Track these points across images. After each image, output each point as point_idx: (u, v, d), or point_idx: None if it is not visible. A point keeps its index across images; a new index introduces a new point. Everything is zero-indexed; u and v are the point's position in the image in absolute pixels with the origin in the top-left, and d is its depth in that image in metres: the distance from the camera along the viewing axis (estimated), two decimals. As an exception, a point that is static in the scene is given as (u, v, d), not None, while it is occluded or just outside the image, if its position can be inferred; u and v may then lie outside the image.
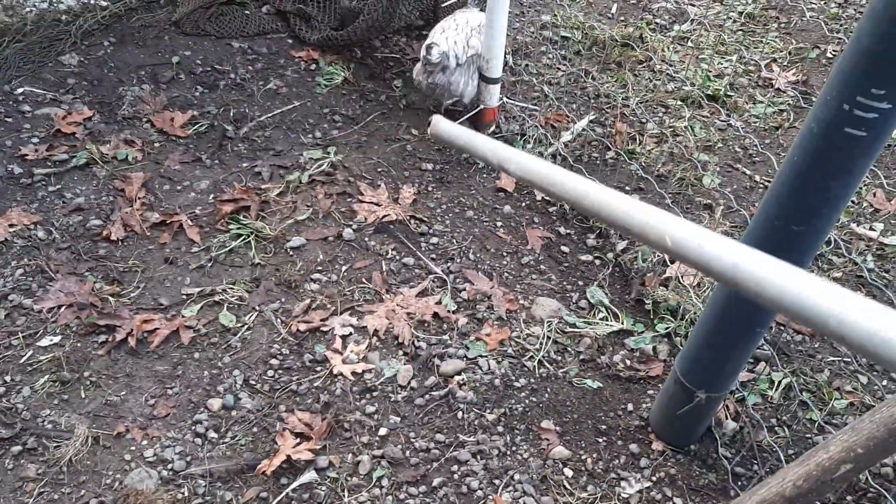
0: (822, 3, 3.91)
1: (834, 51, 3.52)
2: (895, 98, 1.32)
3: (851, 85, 1.34)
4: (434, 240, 2.54)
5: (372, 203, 2.63)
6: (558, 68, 3.31)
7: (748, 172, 2.87)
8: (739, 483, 1.94)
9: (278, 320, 2.24)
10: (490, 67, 2.83)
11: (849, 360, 2.22)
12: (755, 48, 3.52)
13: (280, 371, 2.12)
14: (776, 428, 2.06)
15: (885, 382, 2.17)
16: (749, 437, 2.01)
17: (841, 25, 3.72)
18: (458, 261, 2.48)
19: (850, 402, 2.10)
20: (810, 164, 1.46)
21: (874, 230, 2.58)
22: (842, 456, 1.02)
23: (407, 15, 3.37)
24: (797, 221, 1.53)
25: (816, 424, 2.05)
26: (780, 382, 2.14)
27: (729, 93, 3.21)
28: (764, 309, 1.72)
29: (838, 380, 2.16)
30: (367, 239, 2.52)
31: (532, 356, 2.21)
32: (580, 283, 2.46)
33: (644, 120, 3.05)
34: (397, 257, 2.47)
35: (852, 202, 2.72)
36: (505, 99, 3.02)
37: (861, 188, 2.76)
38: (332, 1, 3.44)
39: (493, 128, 2.98)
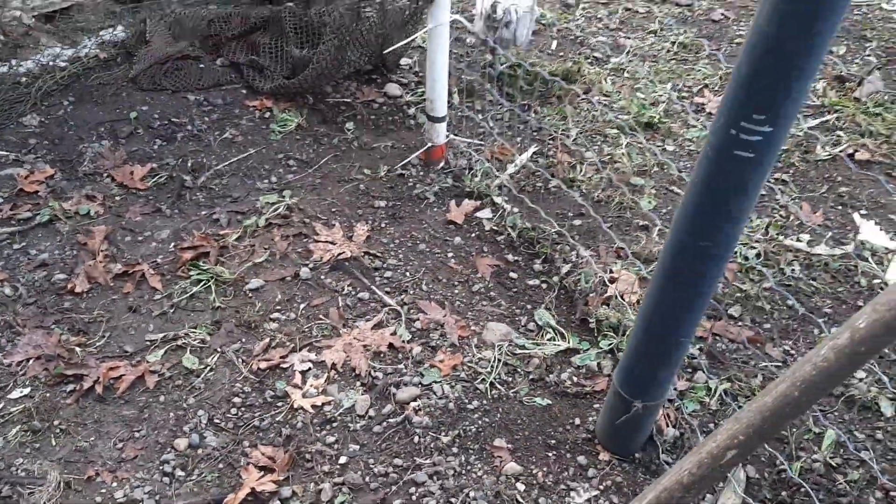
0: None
1: (761, 74, 3.72)
2: (775, 121, 1.48)
3: (736, 111, 1.50)
4: (388, 273, 2.67)
5: (327, 242, 2.75)
6: (501, 104, 3.47)
7: (683, 194, 3.03)
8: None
9: (240, 360, 2.35)
10: (434, 107, 2.98)
11: (779, 364, 2.36)
12: (688, 76, 3.71)
13: (243, 408, 2.22)
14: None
15: (813, 383, 2.31)
16: (688, 442, 2.14)
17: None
18: (412, 292, 2.60)
19: (781, 404, 2.24)
20: (709, 184, 1.61)
21: (801, 241, 2.74)
22: (727, 443, 1.15)
23: (356, 61, 3.52)
24: (703, 237, 1.67)
25: (751, 426, 2.18)
26: (716, 389, 2.27)
27: (664, 119, 3.39)
28: (685, 320, 1.86)
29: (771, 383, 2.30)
30: (323, 277, 2.63)
31: (484, 379, 2.33)
32: (528, 306, 2.59)
33: (584, 149, 3.22)
34: (353, 293, 2.59)
35: (781, 216, 2.89)
36: (451, 136, 3.17)
37: (788, 202, 2.93)
38: (283, 51, 3.58)
39: (441, 164, 3.13)
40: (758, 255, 2.69)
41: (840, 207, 2.92)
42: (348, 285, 2.61)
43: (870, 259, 2.69)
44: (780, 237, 2.78)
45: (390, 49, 2.93)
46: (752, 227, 2.81)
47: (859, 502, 2.02)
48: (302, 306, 2.53)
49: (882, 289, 2.60)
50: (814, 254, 2.71)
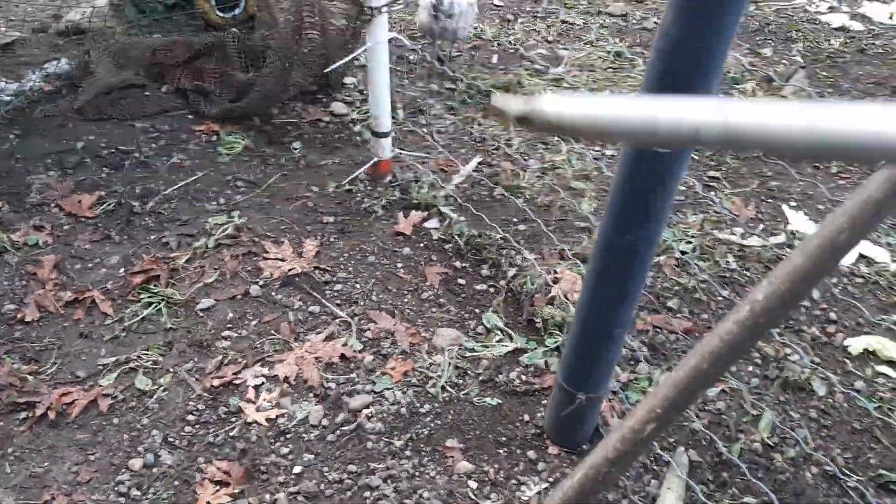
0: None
1: (694, 77, 3.87)
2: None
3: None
4: (338, 287, 2.72)
5: (277, 259, 2.80)
6: (445, 117, 3.56)
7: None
8: (627, 474, 2.13)
9: (193, 379, 2.37)
10: (378, 123, 3.05)
11: (718, 352, 2.45)
12: (623, 83, 3.84)
13: (197, 426, 2.25)
14: (658, 420, 2.27)
15: (750, 368, 2.41)
16: (633, 431, 2.22)
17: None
18: (362, 303, 2.65)
19: (721, 389, 2.33)
20: (630, 181, 1.70)
21: (734, 234, 2.85)
22: (646, 417, 1.22)
23: (300, 82, 3.58)
24: (628, 231, 1.76)
25: (692, 412, 2.27)
26: (657, 379, 2.36)
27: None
28: (619, 312, 1.94)
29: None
30: (273, 293, 2.68)
31: (435, 383, 2.38)
32: (477, 310, 2.66)
33: (526, 157, 3.31)
34: (304, 307, 2.63)
35: (714, 211, 3.00)
36: (397, 150, 3.24)
37: (722, 198, 3.05)
38: (228, 75, 3.64)
39: (388, 178, 3.20)
40: (694, 250, 2.79)
41: (771, 201, 3.04)
42: (299, 300, 2.66)
43: (800, 248, 2.81)
44: (715, 231, 2.89)
45: (330, 68, 3.00)
46: (688, 223, 2.92)
47: (796, 478, 2.11)
48: (253, 323, 2.57)
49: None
50: (747, 245, 2.82)
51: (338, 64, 2.95)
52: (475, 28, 4.20)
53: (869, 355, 2.44)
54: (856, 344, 2.45)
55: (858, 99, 3.62)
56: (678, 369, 1.20)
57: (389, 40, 2.95)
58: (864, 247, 2.79)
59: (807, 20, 4.43)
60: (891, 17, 4.31)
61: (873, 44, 4.08)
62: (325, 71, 3.11)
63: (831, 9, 4.44)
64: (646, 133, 0.64)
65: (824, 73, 3.84)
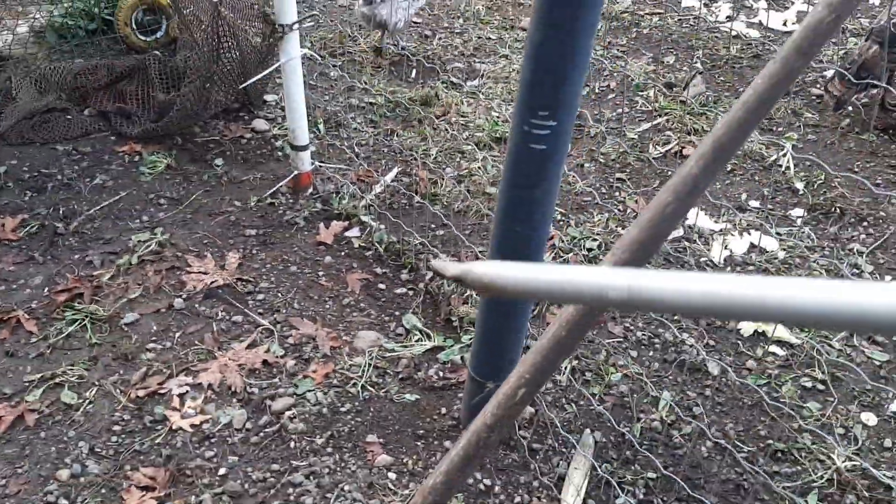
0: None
1: (602, 87, 4.08)
2: (557, 117, 1.72)
3: (524, 109, 1.74)
4: (260, 296, 2.80)
5: (200, 273, 2.87)
6: (366, 131, 3.68)
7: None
8: (537, 457, 2.27)
9: (118, 391, 2.43)
10: (296, 136, 3.16)
11: (620, 339, 2.62)
12: (537, 92, 4.02)
13: (123, 435, 2.31)
14: (566, 406, 2.41)
15: (651, 353, 2.58)
16: (542, 417, 2.36)
17: (607, 65, 4.30)
18: (284, 311, 2.74)
19: (623, 375, 2.49)
20: (515, 176, 1.85)
21: (638, 230, 3.03)
22: (517, 383, 1.34)
23: (221, 100, 3.67)
24: (517, 224, 1.90)
25: (597, 397, 2.42)
26: (565, 367, 2.51)
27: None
28: (517, 303, 2.08)
29: (613, 357, 2.55)
30: (197, 305, 2.75)
31: (355, 383, 2.49)
32: (397, 313, 2.77)
33: (443, 166, 3.45)
34: (227, 317, 2.72)
35: (619, 209, 3.18)
36: (317, 163, 3.34)
37: (625, 197, 3.23)
38: (149, 96, 3.70)
39: (310, 190, 3.30)
40: (599, 247, 2.96)
41: (672, 198, 3.23)
42: (222, 311, 2.74)
43: (697, 241, 3.00)
44: (619, 229, 3.07)
45: (244, 85, 3.10)
46: (594, 222, 3.09)
47: (693, 453, 2.27)
48: (177, 335, 2.64)
49: (708, 265, 2.91)
50: (649, 240, 3.00)
51: (250, 81, 3.05)
52: (413, 27, 4.35)
53: (759, 336, 2.63)
54: (747, 326, 2.64)
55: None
56: (542, 338, 1.34)
57: (303, 56, 3.06)
58: (756, 237, 2.99)
59: (707, 29, 4.69)
60: (785, 24, 4.60)
61: (768, 49, 4.35)
62: (240, 87, 3.21)
63: (730, 18, 4.71)
64: (560, 296, 0.76)
65: (722, 79, 4.08)
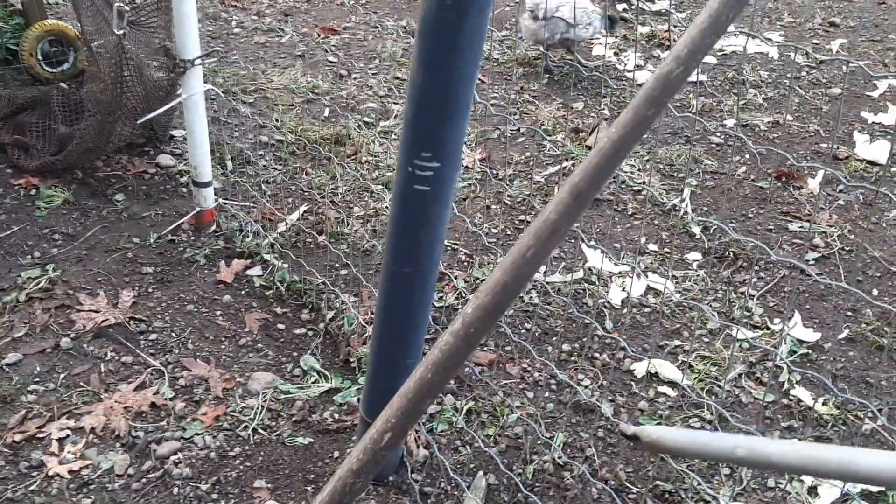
0: (503, 91, 4.60)
1: (512, 130, 4.16)
2: (440, 158, 1.74)
3: (408, 151, 1.75)
4: (153, 336, 2.72)
5: (91, 311, 2.77)
6: (275, 168, 3.65)
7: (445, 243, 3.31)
8: (429, 500, 2.24)
9: (-8, 435, 2.31)
10: (199, 173, 3.11)
11: (518, 381, 2.63)
12: (449, 133, 4.07)
13: (-6, 483, 2.19)
14: (461, 448, 2.40)
15: (546, 394, 2.60)
16: (436, 459, 2.34)
17: (518, 109, 4.39)
18: (177, 352, 2.66)
19: (518, 416, 2.49)
20: (400, 217, 1.85)
21: (538, 272, 3.07)
22: (383, 427, 1.33)
23: (126, 135, 3.59)
24: (404, 265, 1.90)
25: (492, 438, 2.42)
26: (462, 409, 2.50)
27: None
28: (407, 343, 2.07)
29: (509, 398, 2.56)
30: (85, 345, 2.65)
31: (247, 426, 2.42)
32: (295, 354, 2.73)
33: (351, 205, 3.44)
34: (116, 358, 2.62)
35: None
36: (221, 200, 3.29)
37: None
38: (50, 129, 3.59)
39: (213, 227, 3.24)
40: (502, 288, 2.98)
41: (573, 241, 3.29)
42: (111, 351, 2.64)
43: (596, 282, 3.06)
44: (523, 270, 3.10)
45: (141, 120, 3.04)
46: (496, 263, 3.12)
47: (583, 493, 2.28)
48: (62, 376, 2.53)
49: (606, 306, 2.97)
50: (549, 282, 3.05)
51: (148, 116, 2.99)
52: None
53: (652, 377, 2.67)
54: (640, 367, 2.68)
55: (656, 147, 3.99)
56: (409, 380, 1.33)
57: (207, 92, 3.03)
58: (653, 278, 3.07)
59: (616, 77, 4.85)
60: (689, 75, 4.78)
61: (673, 98, 4.51)
62: (138, 123, 3.15)
63: (638, 67, 4.88)
64: (706, 455, 1.15)
65: (628, 125, 4.20)
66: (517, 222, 3.46)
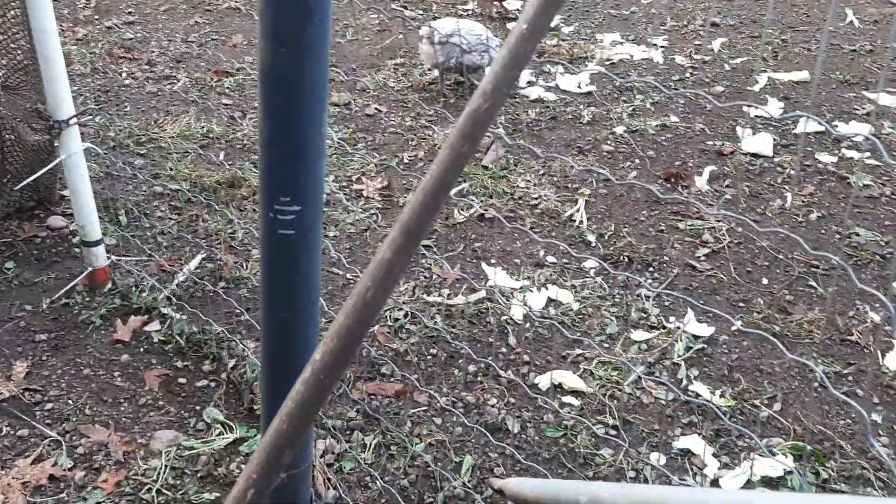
0: (400, 119, 4.64)
1: (410, 156, 4.20)
2: (300, 202, 1.74)
3: (268, 197, 1.75)
4: (49, 406, 2.64)
5: (-20, 388, 2.68)
6: (170, 218, 3.60)
7: (347, 276, 3.31)
8: (340, 540, 2.23)
9: None
10: (87, 232, 3.04)
11: (425, 408, 2.64)
12: (347, 166, 4.08)
13: None
14: (370, 484, 2.39)
15: (454, 418, 2.62)
16: (346, 498, 2.32)
17: (416, 135, 4.44)
18: (74, 419, 2.59)
19: (428, 443, 2.50)
20: (271, 263, 1.84)
21: (441, 295, 3.10)
22: (246, 484, 1.32)
23: (16, 200, 3.50)
24: (283, 311, 1.90)
25: (402, 470, 2.42)
26: (370, 444, 2.49)
27: (324, 209, 3.69)
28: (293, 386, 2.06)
29: (418, 427, 2.57)
30: (-25, 424, 2.56)
31: (150, 488, 2.37)
32: (197, 407, 2.68)
33: (250, 248, 3.42)
34: (11, 432, 2.54)
35: (424, 276, 3.25)
36: (114, 257, 3.23)
37: (431, 264, 3.31)
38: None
39: (108, 286, 3.17)
40: (405, 315, 3.00)
41: (475, 261, 3.34)
42: (7, 426, 2.56)
43: (500, 300, 3.10)
44: (425, 295, 3.13)
45: (22, 184, 2.97)
46: (401, 291, 3.14)
47: (495, 513, 2.30)
48: (-49, 459, 2.43)
49: (509, 323, 3.01)
50: (452, 304, 3.08)
51: (28, 180, 2.93)
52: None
53: (556, 388, 2.72)
54: (544, 380, 2.73)
55: (551, 158, 4.08)
56: (266, 435, 1.33)
57: (89, 149, 2.98)
58: (553, 291, 3.13)
59: (514, 98, 4.95)
60: (579, 86, 4.92)
61: (564, 111, 4.63)
62: (16, 189, 3.07)
63: (530, 83, 4.99)
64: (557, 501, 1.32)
65: (523, 141, 4.30)
66: (420, 249, 3.49)
